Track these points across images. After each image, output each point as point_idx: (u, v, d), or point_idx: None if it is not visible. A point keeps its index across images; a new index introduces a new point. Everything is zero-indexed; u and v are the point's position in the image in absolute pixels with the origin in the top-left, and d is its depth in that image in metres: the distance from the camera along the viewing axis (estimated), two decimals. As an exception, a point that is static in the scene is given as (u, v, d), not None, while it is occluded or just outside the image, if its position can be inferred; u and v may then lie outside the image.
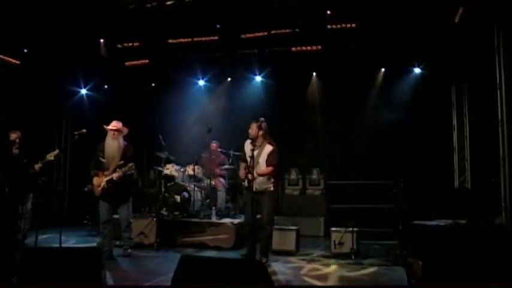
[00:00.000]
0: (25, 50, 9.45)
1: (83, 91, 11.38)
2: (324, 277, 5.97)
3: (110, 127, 6.75)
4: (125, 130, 6.90)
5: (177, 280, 4.32)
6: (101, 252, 4.81)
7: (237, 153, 8.58)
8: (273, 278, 5.42)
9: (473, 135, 8.86)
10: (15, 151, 7.22)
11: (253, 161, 6.27)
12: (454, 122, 9.38)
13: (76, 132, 6.39)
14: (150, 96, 11.18)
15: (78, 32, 9.53)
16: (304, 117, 10.41)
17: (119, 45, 10.48)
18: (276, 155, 6.63)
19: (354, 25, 9.23)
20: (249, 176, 6.30)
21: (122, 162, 6.67)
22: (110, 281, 5.16)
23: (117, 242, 7.20)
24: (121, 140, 6.80)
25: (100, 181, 6.68)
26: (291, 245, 7.36)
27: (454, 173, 9.35)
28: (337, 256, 7.05)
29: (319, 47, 9.67)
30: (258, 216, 6.77)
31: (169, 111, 10.63)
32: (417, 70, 9.68)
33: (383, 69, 9.92)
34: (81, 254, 4.72)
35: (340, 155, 9.90)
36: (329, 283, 5.66)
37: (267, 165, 6.56)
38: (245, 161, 6.64)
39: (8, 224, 6.76)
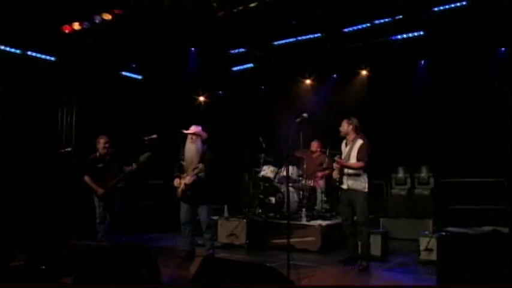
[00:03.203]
0: (133, 65, 10.49)
1: (201, 98, 12.22)
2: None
3: (188, 131, 7.08)
4: (204, 134, 7.12)
5: (196, 280, 4.48)
6: (146, 250, 5.18)
7: (334, 152, 8.36)
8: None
9: None
10: (106, 157, 7.57)
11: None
12: None
13: (146, 138, 6.81)
14: (259, 98, 11.48)
15: (184, 43, 10.38)
16: (411, 110, 9.63)
17: (227, 53, 11.11)
18: (367, 150, 6.41)
19: (464, 3, 8.37)
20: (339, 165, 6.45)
21: (201, 165, 6.90)
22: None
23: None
24: (199, 143, 7.01)
25: (180, 183, 7.09)
26: (377, 250, 6.90)
27: None
28: (425, 263, 6.41)
29: (422, 32, 8.92)
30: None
31: (275, 112, 10.77)
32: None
33: (503, 49, 8.68)
34: (127, 252, 5.16)
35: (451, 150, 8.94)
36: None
37: (357, 160, 6.40)
38: None
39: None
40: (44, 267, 5.59)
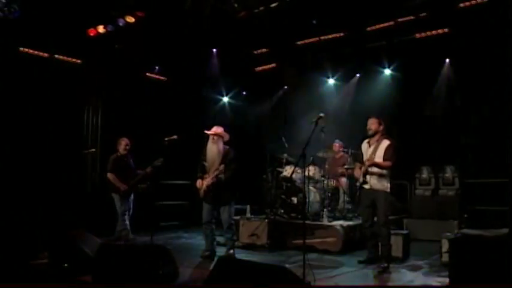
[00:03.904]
0: (156, 67, 10.63)
1: (225, 99, 12.30)
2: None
3: (209, 132, 7.07)
4: (226, 135, 7.12)
5: (211, 280, 4.52)
6: (164, 249, 5.26)
7: (356, 152, 8.29)
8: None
9: None
10: (125, 158, 7.82)
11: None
12: None
13: (166, 139, 6.87)
14: (282, 98, 11.48)
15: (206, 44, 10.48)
16: (436, 108, 9.45)
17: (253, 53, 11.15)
18: (394, 150, 6.30)
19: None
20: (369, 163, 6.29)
21: (221, 166, 6.90)
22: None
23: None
24: (220, 144, 7.03)
25: (202, 184, 7.06)
26: (398, 251, 6.79)
27: None
28: (447, 265, 6.27)
29: (446, 30, 8.78)
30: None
31: (297, 112, 10.72)
32: None
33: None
34: (146, 251, 5.24)
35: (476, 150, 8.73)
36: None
37: (384, 160, 6.29)
38: (362, 162, 6.56)
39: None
40: (66, 265, 5.75)
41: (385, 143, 6.34)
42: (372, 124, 6.46)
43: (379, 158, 6.31)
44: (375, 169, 6.36)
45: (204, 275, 6.02)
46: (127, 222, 7.49)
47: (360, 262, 6.56)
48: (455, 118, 9.26)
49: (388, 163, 6.28)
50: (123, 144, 7.70)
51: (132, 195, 7.71)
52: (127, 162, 7.68)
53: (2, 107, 8.24)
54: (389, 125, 9.18)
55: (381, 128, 6.45)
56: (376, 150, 6.35)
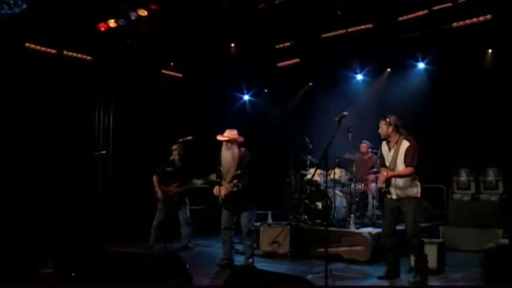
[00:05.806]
0: (172, 64, 10.59)
1: (246, 97, 12.20)
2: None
3: (222, 138, 6.89)
4: (240, 138, 6.95)
5: (227, 288, 4.39)
6: (178, 258, 5.15)
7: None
8: None
9: None
10: (178, 162, 8.07)
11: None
12: None
13: (181, 140, 6.82)
14: (306, 96, 11.33)
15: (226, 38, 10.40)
16: (477, 105, 9.10)
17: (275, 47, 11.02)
18: (415, 153, 5.88)
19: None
20: (385, 177, 5.94)
21: (238, 171, 6.79)
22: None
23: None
24: (235, 149, 6.88)
25: (219, 191, 6.90)
26: (432, 262, 6.44)
27: None
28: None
29: (488, 17, 8.50)
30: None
31: (322, 111, 10.53)
32: None
33: None
34: (158, 260, 5.15)
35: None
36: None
37: (406, 166, 5.87)
38: (384, 165, 6.20)
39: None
40: (73, 274, 5.70)
41: (404, 145, 5.93)
42: (380, 128, 6.09)
43: (400, 163, 5.91)
44: (398, 179, 5.96)
45: (219, 286, 5.94)
46: (157, 229, 7.84)
47: (379, 278, 6.17)
48: (499, 114, 8.87)
49: (409, 170, 5.86)
50: (174, 150, 7.96)
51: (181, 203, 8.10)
52: (177, 168, 7.95)
53: (8, 106, 8.28)
54: (425, 123, 9.03)
55: (390, 129, 6.01)
56: (396, 155, 5.95)
